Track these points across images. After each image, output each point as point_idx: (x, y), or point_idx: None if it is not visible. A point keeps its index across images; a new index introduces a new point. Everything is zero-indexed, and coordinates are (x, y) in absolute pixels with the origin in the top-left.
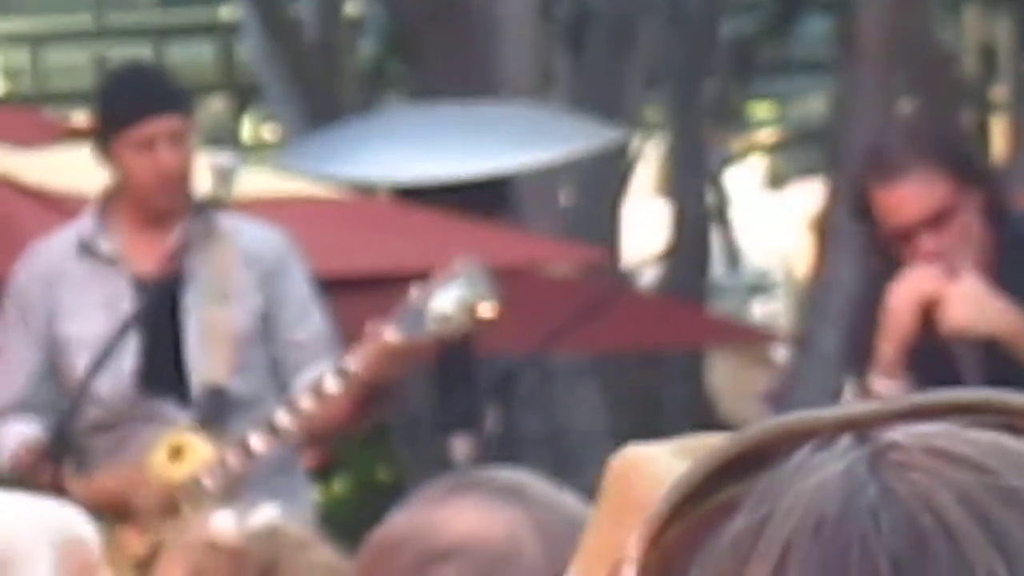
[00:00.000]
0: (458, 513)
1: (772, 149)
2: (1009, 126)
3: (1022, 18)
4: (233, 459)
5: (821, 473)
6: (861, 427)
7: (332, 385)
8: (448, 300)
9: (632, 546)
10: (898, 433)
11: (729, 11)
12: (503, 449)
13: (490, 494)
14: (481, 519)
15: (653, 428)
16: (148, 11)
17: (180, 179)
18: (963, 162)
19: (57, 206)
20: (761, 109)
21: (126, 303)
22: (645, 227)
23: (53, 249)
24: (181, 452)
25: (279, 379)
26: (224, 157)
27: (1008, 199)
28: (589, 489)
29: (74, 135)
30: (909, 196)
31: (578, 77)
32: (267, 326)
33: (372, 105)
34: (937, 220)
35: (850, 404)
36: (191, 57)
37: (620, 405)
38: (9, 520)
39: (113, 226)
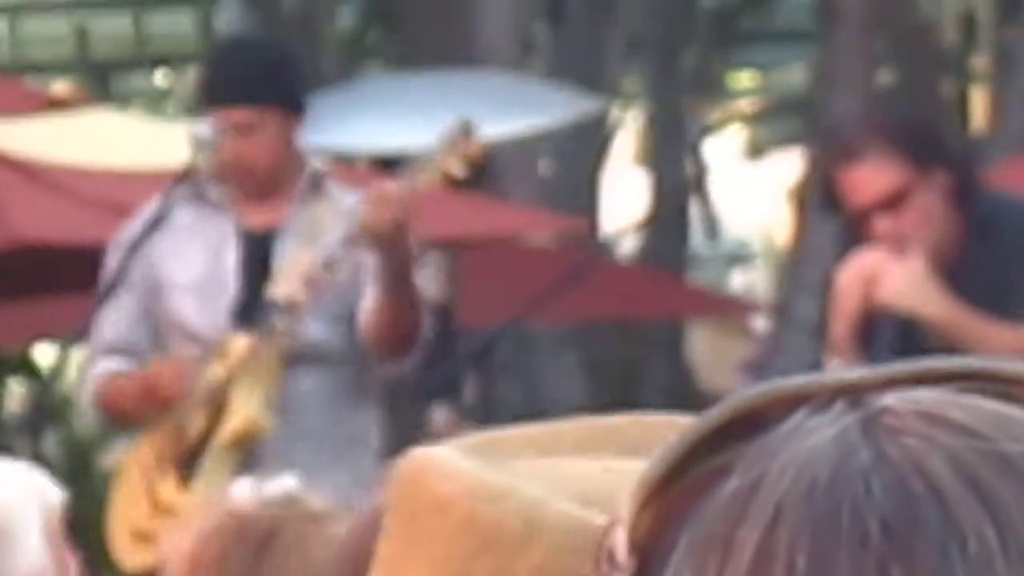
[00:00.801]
0: None
1: (752, 119)
2: (989, 96)
3: None
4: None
5: (814, 437)
6: (855, 392)
7: (340, 245)
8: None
9: (624, 507)
10: (892, 398)
11: None
12: (482, 418)
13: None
14: None
15: (632, 397)
16: None
17: (244, 168)
18: (923, 145)
19: (38, 176)
20: (741, 79)
21: (230, 251)
22: (624, 197)
23: (161, 195)
24: (227, 352)
25: (354, 337)
26: (203, 126)
27: (976, 180)
28: None
29: (54, 105)
30: (864, 178)
31: (558, 47)
32: (350, 285)
33: (351, 75)
34: (892, 202)
35: (844, 370)
36: (170, 27)
37: (599, 374)
38: (3, 489)
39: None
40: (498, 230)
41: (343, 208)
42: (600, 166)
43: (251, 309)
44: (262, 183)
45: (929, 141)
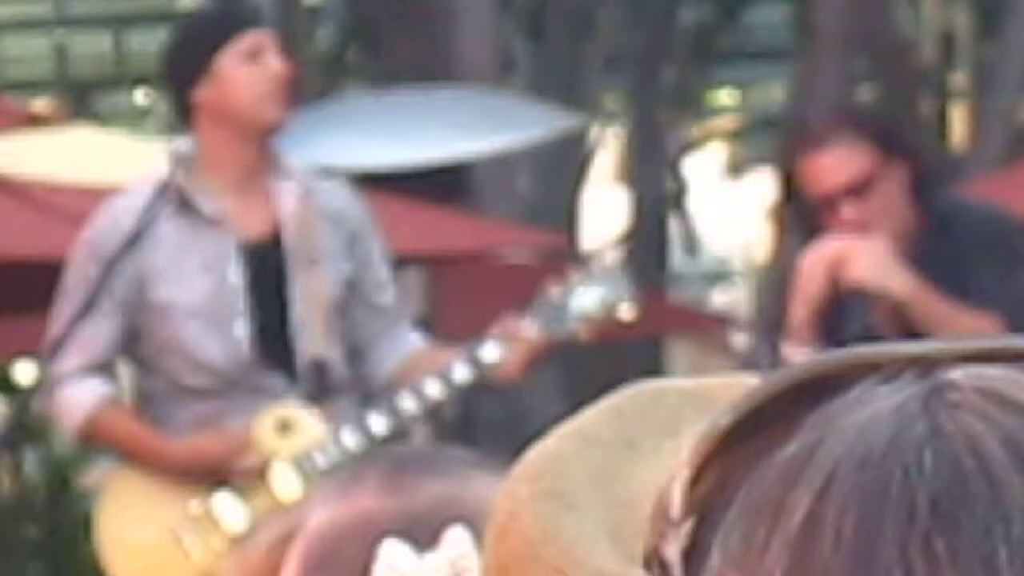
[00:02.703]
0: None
1: (731, 136)
2: (968, 114)
3: (981, 6)
4: (349, 437)
5: (875, 406)
6: (926, 364)
7: (462, 375)
8: (590, 299)
9: (683, 463)
10: (959, 373)
11: None
12: (462, 433)
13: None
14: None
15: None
16: (108, 0)
17: (288, 88)
18: (887, 134)
19: (17, 192)
20: (720, 96)
21: (232, 267)
22: (604, 214)
23: (138, 207)
24: (289, 427)
25: (351, 344)
26: (183, 142)
27: (935, 175)
28: None
29: (35, 122)
30: (831, 164)
31: (537, 63)
32: (352, 291)
33: (331, 92)
34: (858, 189)
35: (924, 341)
36: (150, 45)
37: (579, 391)
38: None
39: (206, 187)
40: (477, 246)
41: (321, 205)
42: (579, 183)
43: (266, 342)
44: (283, 118)
45: (892, 132)
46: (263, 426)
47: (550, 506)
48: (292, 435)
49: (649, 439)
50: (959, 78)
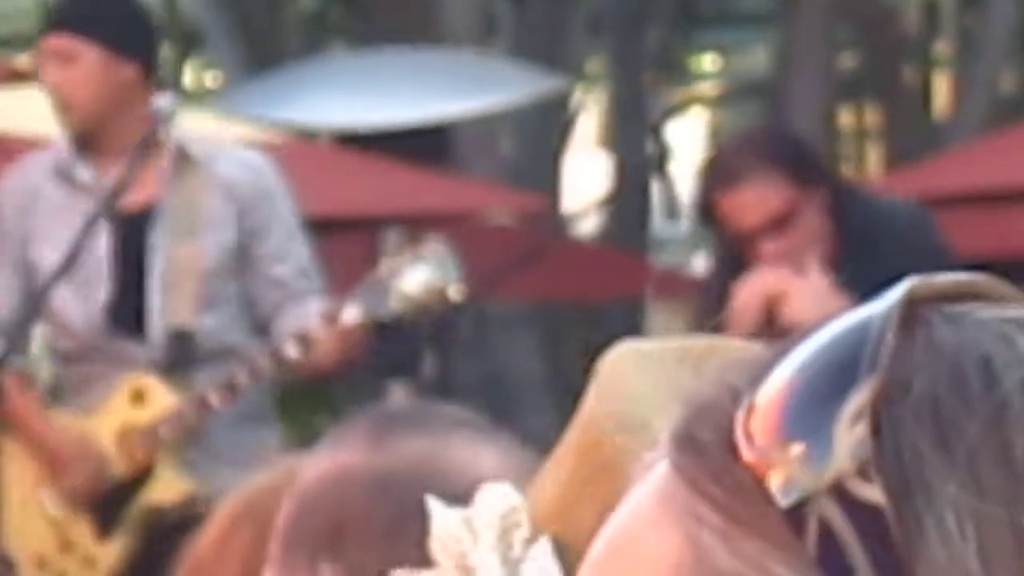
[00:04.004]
0: (476, 455)
1: (714, 102)
2: (951, 82)
3: None
4: (190, 411)
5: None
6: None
7: (291, 351)
8: (416, 280)
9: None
10: None
11: None
12: (440, 395)
13: (491, 436)
14: (499, 462)
15: (591, 377)
16: None
17: (63, 103)
18: (803, 162)
19: (2, 147)
20: (703, 61)
21: (101, 236)
22: (586, 178)
23: (29, 171)
24: (143, 396)
25: (255, 315)
26: (162, 99)
27: (850, 194)
28: (526, 437)
29: (18, 78)
30: (750, 201)
31: (521, 26)
32: (242, 260)
33: (314, 52)
34: (779, 223)
35: None
36: None
37: (558, 354)
38: None
39: (89, 156)
40: (458, 207)
41: (219, 175)
42: (562, 146)
43: (126, 306)
44: (91, 132)
45: (808, 158)
46: (118, 397)
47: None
48: (145, 405)
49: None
50: (942, 46)
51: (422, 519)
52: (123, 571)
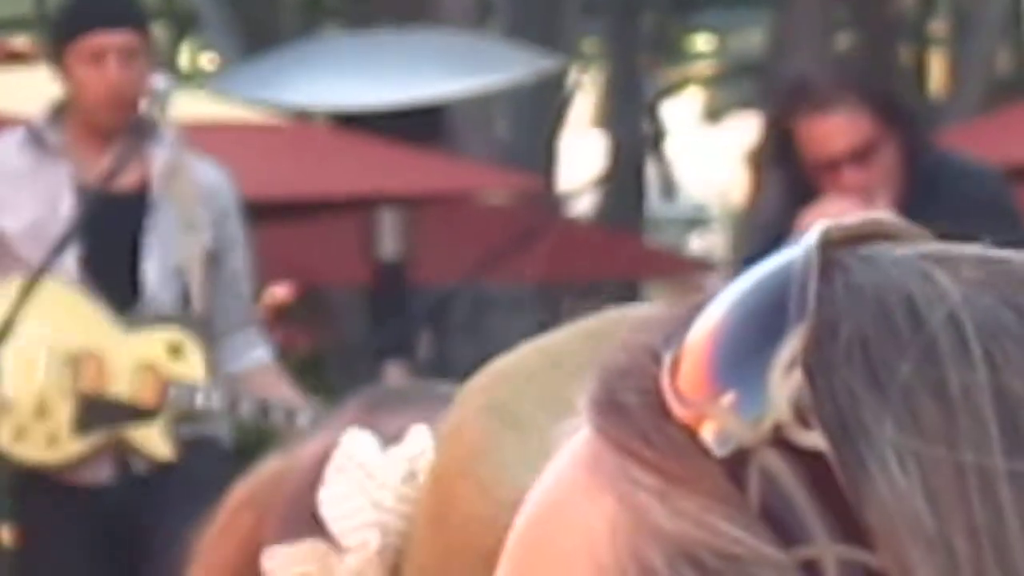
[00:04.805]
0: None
1: (710, 82)
2: (947, 62)
3: None
4: (217, 398)
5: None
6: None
7: (277, 416)
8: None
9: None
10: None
11: None
12: (437, 376)
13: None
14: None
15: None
16: None
17: (129, 97)
18: (889, 101)
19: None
20: (699, 41)
21: (65, 202)
22: (581, 158)
23: (11, 142)
24: (179, 351)
25: (214, 322)
26: (158, 79)
27: (926, 140)
28: None
29: (15, 59)
30: (837, 128)
31: (516, 6)
32: (213, 268)
33: (309, 32)
34: (862, 154)
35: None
36: None
37: None
38: None
39: (63, 132)
40: (454, 188)
41: (198, 181)
42: (557, 126)
43: (104, 283)
44: (130, 116)
45: (892, 99)
46: (155, 346)
47: (495, 421)
48: (180, 361)
49: None
50: (938, 26)
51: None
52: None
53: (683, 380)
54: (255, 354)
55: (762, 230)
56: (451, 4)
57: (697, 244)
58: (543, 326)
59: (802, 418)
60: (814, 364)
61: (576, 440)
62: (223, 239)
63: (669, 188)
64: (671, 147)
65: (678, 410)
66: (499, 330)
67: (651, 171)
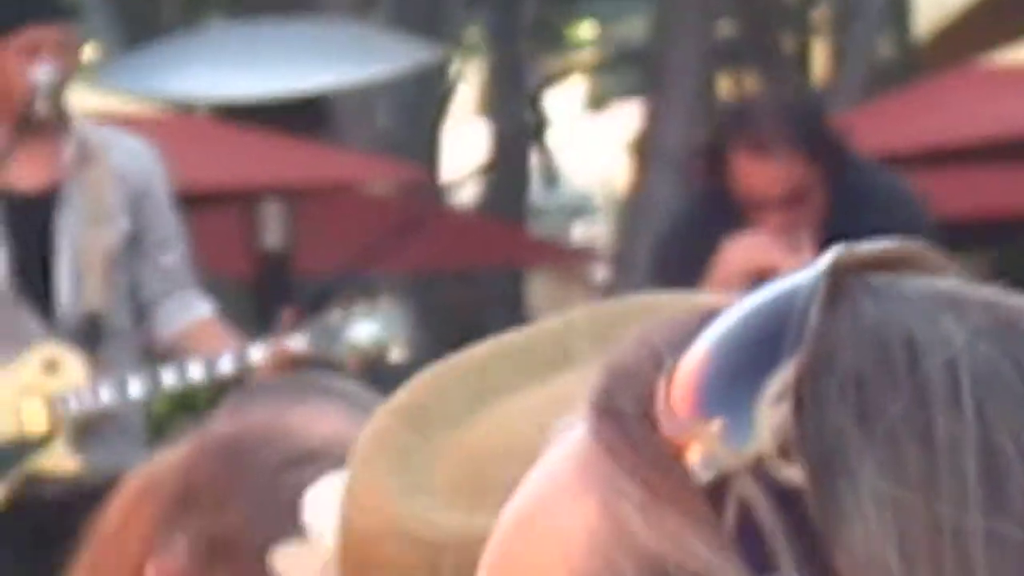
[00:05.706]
0: (319, 416)
1: (592, 70)
2: (829, 49)
3: None
4: (107, 393)
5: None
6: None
7: (227, 367)
8: (365, 332)
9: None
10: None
11: None
12: (318, 366)
13: (341, 398)
14: (342, 421)
15: (471, 347)
16: None
17: (62, 89)
18: (824, 140)
19: None
20: (581, 29)
21: None
22: (465, 147)
23: None
24: (56, 366)
25: (137, 302)
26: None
27: (847, 158)
28: None
29: None
30: (773, 174)
31: None
32: (132, 248)
33: (192, 24)
34: (792, 199)
35: None
36: None
37: (438, 324)
38: None
39: None
40: (337, 178)
41: (113, 163)
42: (440, 116)
43: (24, 289)
44: (62, 110)
45: (828, 136)
46: (29, 364)
47: (403, 430)
48: (56, 375)
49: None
50: (820, 13)
51: (263, 480)
52: None
53: (675, 398)
54: (191, 313)
55: (674, 236)
56: None
57: (580, 233)
58: (425, 316)
59: (785, 452)
60: (806, 396)
61: (571, 436)
62: (143, 217)
63: (552, 177)
64: (554, 136)
65: (667, 428)
66: (376, 314)
67: (534, 160)
